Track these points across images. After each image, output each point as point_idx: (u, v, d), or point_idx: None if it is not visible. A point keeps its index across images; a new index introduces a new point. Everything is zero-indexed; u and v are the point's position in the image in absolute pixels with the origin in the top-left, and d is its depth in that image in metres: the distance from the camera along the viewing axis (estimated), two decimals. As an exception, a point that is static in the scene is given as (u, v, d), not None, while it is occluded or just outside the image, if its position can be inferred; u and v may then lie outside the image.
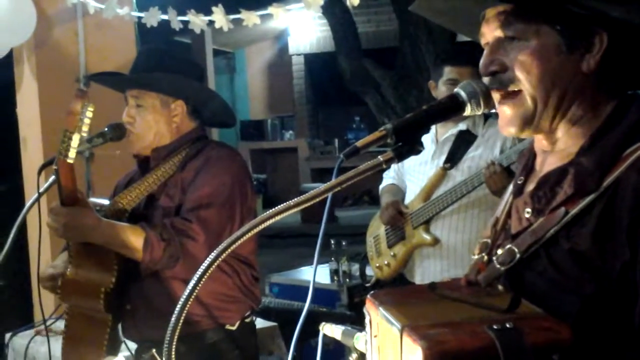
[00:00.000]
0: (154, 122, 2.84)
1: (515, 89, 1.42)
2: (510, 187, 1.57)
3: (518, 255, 1.38)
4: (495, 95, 1.45)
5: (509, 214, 1.51)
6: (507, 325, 1.17)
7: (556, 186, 1.38)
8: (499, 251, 1.45)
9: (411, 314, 1.27)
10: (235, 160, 2.87)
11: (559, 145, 1.44)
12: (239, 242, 1.36)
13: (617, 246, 1.28)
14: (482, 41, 1.47)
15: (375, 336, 1.40)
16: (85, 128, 2.47)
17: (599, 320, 1.29)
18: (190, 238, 2.63)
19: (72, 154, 2.45)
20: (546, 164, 1.47)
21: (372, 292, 1.43)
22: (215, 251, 1.35)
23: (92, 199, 2.85)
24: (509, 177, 3.30)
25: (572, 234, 1.33)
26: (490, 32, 1.44)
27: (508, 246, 1.40)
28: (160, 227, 2.65)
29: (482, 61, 1.45)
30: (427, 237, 3.71)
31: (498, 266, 1.40)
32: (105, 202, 2.82)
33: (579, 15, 1.35)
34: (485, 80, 1.45)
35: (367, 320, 1.44)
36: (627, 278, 1.28)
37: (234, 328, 2.85)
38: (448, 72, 3.67)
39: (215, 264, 1.35)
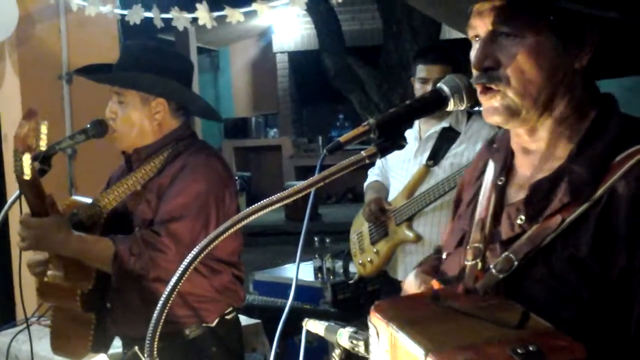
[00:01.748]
0: (135, 119, 2.81)
1: (500, 89, 1.41)
2: (486, 184, 1.56)
3: (516, 263, 1.37)
4: (479, 87, 1.44)
5: (495, 217, 1.49)
6: (531, 349, 1.17)
7: (550, 194, 1.38)
8: (488, 253, 1.45)
9: (429, 335, 1.25)
10: (211, 168, 2.82)
11: (541, 145, 1.45)
12: (220, 239, 1.35)
13: (615, 254, 1.29)
14: (471, 33, 1.46)
15: (386, 351, 1.38)
16: (42, 143, 2.47)
17: (595, 326, 1.30)
18: (159, 251, 2.62)
19: (27, 171, 2.45)
20: (529, 166, 1.47)
21: (375, 303, 1.39)
22: (193, 252, 1.34)
23: (75, 197, 2.85)
24: None
25: (569, 241, 1.34)
26: (483, 26, 1.42)
27: (505, 254, 1.39)
28: (131, 240, 2.64)
29: (475, 55, 1.43)
30: (410, 234, 3.72)
31: (496, 274, 1.39)
32: (89, 200, 2.81)
33: (574, 12, 1.34)
34: (475, 74, 1.44)
35: (372, 332, 1.40)
36: (624, 284, 1.29)
37: (212, 325, 2.84)
38: (419, 70, 3.70)
39: (194, 264, 1.34)
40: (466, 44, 1.51)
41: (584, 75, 1.41)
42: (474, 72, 1.44)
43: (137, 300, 2.70)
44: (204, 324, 2.82)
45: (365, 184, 4.13)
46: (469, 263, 1.48)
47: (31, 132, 2.44)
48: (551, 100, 1.40)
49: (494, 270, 1.40)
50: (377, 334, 1.38)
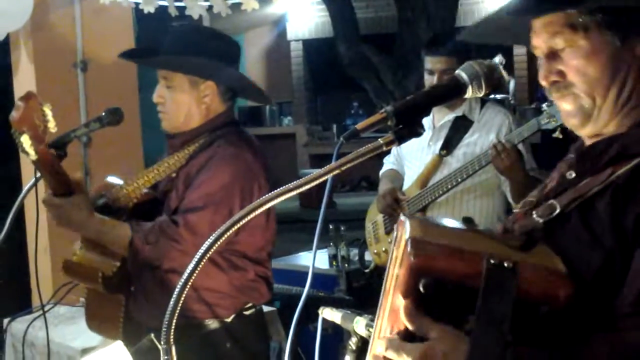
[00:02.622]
0: (184, 102, 2.79)
1: (572, 92, 1.43)
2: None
3: (558, 209, 1.38)
4: (555, 95, 1.47)
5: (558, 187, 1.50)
6: (505, 264, 1.17)
7: (603, 154, 1.39)
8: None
9: (428, 231, 1.27)
10: (240, 160, 2.75)
11: (614, 126, 1.44)
12: (234, 228, 1.35)
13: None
14: (537, 53, 1.48)
15: (395, 247, 1.40)
16: (51, 125, 2.50)
17: (620, 279, 1.29)
18: (174, 241, 2.61)
19: (30, 151, 2.47)
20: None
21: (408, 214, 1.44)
22: (207, 242, 1.35)
23: (109, 178, 2.88)
24: (517, 156, 3.29)
25: (610, 196, 1.33)
26: (541, 44, 1.45)
27: (550, 201, 1.40)
28: (148, 228, 2.64)
29: (540, 75, 1.46)
30: None
31: (536, 218, 1.40)
32: (120, 183, 2.83)
33: (619, 6, 1.36)
34: (546, 88, 1.47)
35: (393, 236, 1.44)
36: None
37: (229, 320, 2.81)
38: (426, 61, 3.69)
39: (209, 253, 1.34)
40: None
41: None
42: (545, 89, 1.48)
43: (153, 289, 2.70)
44: (219, 319, 2.79)
45: (381, 172, 4.12)
46: (516, 210, 1.51)
47: (33, 113, 2.46)
48: (621, 93, 1.41)
49: (535, 215, 1.41)
50: (395, 237, 1.43)
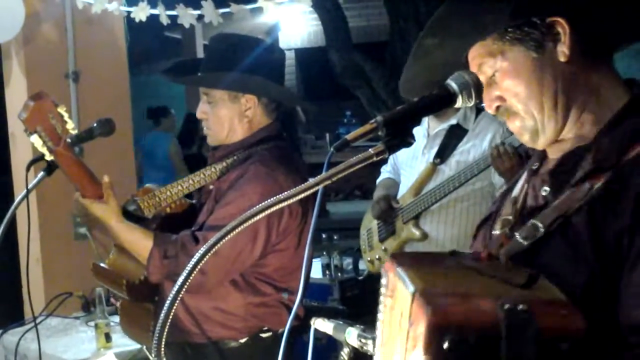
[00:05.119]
0: (225, 117, 2.76)
1: (515, 113, 1.45)
2: (525, 174, 1.57)
3: (542, 230, 1.36)
4: (501, 118, 1.49)
5: (526, 196, 1.50)
6: (520, 307, 1.15)
7: (576, 166, 1.38)
8: (516, 226, 1.45)
9: (427, 278, 1.25)
10: (271, 179, 2.63)
11: (571, 132, 1.44)
12: (225, 239, 1.34)
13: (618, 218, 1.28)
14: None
15: (389, 296, 1.38)
16: (69, 126, 2.54)
17: (605, 295, 1.28)
18: (192, 259, 2.55)
19: (45, 152, 2.50)
20: (559, 151, 1.47)
21: (392, 254, 1.42)
22: (202, 248, 1.34)
23: (148, 185, 2.90)
24: (518, 159, 3.29)
25: (589, 211, 1.32)
26: (479, 75, 1.48)
27: (531, 221, 1.39)
28: (171, 242, 2.61)
29: (484, 101, 1.48)
30: (417, 232, 3.71)
31: (521, 241, 1.39)
32: (156, 188, 2.83)
33: (524, 18, 1.38)
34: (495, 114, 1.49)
35: (383, 281, 1.42)
36: (620, 246, 1.27)
37: (241, 342, 2.71)
38: None
39: (201, 263, 1.33)
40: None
41: (582, 61, 1.40)
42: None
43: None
44: (231, 340, 2.70)
45: (378, 180, 4.13)
46: (496, 232, 1.50)
47: (46, 113, 2.48)
48: (556, 101, 1.41)
49: (519, 237, 1.39)
50: (387, 282, 1.40)
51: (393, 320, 1.34)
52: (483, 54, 1.45)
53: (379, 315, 1.44)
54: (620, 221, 1.27)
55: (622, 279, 1.27)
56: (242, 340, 2.71)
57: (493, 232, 1.51)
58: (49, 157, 2.50)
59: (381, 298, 1.44)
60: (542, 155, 1.54)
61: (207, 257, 1.33)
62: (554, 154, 1.48)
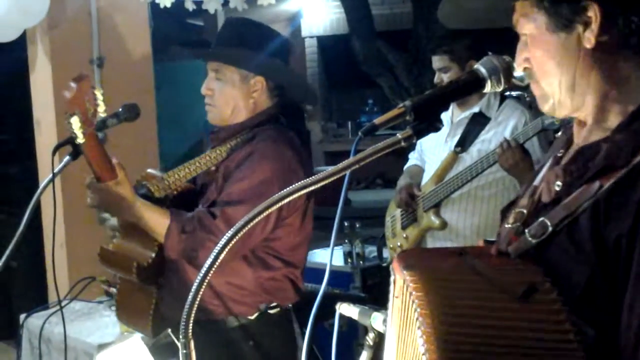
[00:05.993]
0: (232, 96, 2.79)
1: (536, 81, 1.45)
2: (550, 161, 1.55)
3: (550, 229, 1.35)
4: (527, 81, 1.48)
5: None
6: None
7: (589, 161, 1.36)
8: (529, 219, 1.44)
9: (431, 288, 1.26)
10: (280, 156, 2.72)
11: (594, 119, 1.42)
12: (251, 224, 1.34)
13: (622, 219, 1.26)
14: None
15: (396, 297, 1.39)
16: (100, 109, 2.52)
17: (604, 296, 1.27)
18: (211, 233, 2.58)
19: (79, 134, 2.48)
20: (582, 138, 1.45)
21: (400, 251, 1.42)
22: (226, 235, 1.34)
23: (150, 170, 2.89)
24: (523, 154, 3.27)
25: (599, 210, 1.30)
26: (516, 28, 1.48)
27: (541, 219, 1.37)
28: (187, 217, 2.63)
29: (515, 59, 1.48)
30: (436, 221, 3.70)
31: (529, 239, 1.37)
32: (159, 174, 2.84)
33: None
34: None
35: (391, 279, 1.43)
36: (620, 248, 1.25)
37: (251, 318, 2.76)
38: (433, 60, 3.74)
39: (227, 247, 1.33)
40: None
41: (611, 50, 1.38)
42: None
43: (182, 281, 2.69)
44: (241, 316, 2.76)
45: (405, 167, 4.13)
46: (508, 226, 1.48)
47: (84, 95, 2.47)
48: (573, 82, 1.40)
49: (527, 235, 1.38)
50: (394, 281, 1.42)
51: (402, 322, 1.37)
52: (521, 11, 1.44)
53: (389, 313, 1.46)
54: (622, 224, 1.25)
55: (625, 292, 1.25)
56: (253, 317, 2.76)
57: (505, 226, 1.50)
58: (81, 139, 2.48)
59: (390, 295, 1.45)
60: (568, 142, 1.52)
61: (236, 238, 1.33)
62: (578, 140, 1.47)
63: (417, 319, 1.23)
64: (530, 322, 1.22)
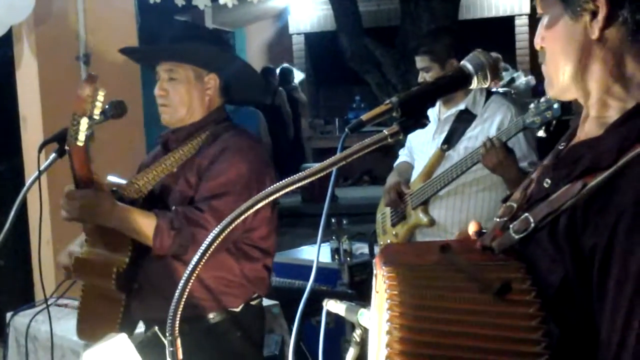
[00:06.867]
0: (187, 95, 2.79)
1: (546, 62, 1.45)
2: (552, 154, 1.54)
3: (533, 225, 1.35)
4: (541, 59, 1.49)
5: None
6: None
7: (579, 159, 1.35)
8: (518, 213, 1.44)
9: (406, 285, 1.26)
10: (254, 150, 2.80)
11: (596, 111, 1.41)
12: (238, 220, 1.34)
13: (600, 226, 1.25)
14: None
15: (377, 292, 1.39)
16: (97, 111, 2.51)
17: (579, 297, 1.27)
18: (201, 227, 2.60)
19: (81, 137, 2.48)
20: (584, 132, 1.45)
21: (383, 245, 1.42)
22: (214, 230, 1.33)
23: (110, 178, 2.85)
24: (507, 153, 3.27)
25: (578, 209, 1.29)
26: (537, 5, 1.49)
27: (525, 215, 1.37)
28: (172, 215, 2.63)
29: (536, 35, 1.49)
30: (424, 218, 3.71)
31: (513, 234, 1.37)
32: (123, 181, 2.82)
33: None
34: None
35: (374, 273, 1.43)
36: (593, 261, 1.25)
37: (237, 310, 2.82)
38: (416, 60, 3.74)
39: (214, 244, 1.33)
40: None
41: (617, 45, 1.37)
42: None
43: (165, 281, 2.68)
44: (228, 309, 2.80)
45: (395, 164, 4.13)
46: (496, 219, 1.48)
47: (93, 97, 2.46)
48: (577, 71, 1.39)
49: (511, 230, 1.38)
50: (376, 275, 1.42)
51: (380, 317, 1.37)
52: None
53: (372, 308, 1.46)
54: (598, 233, 1.24)
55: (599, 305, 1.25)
56: (238, 309, 2.81)
57: (495, 219, 1.49)
58: (81, 142, 2.47)
59: (373, 290, 1.45)
60: (571, 135, 1.51)
61: (223, 234, 1.32)
62: (580, 133, 1.46)
63: (386, 313, 1.23)
64: (499, 319, 1.22)
